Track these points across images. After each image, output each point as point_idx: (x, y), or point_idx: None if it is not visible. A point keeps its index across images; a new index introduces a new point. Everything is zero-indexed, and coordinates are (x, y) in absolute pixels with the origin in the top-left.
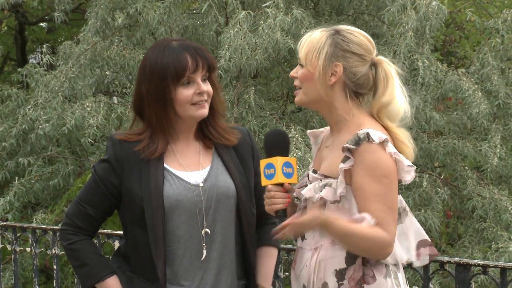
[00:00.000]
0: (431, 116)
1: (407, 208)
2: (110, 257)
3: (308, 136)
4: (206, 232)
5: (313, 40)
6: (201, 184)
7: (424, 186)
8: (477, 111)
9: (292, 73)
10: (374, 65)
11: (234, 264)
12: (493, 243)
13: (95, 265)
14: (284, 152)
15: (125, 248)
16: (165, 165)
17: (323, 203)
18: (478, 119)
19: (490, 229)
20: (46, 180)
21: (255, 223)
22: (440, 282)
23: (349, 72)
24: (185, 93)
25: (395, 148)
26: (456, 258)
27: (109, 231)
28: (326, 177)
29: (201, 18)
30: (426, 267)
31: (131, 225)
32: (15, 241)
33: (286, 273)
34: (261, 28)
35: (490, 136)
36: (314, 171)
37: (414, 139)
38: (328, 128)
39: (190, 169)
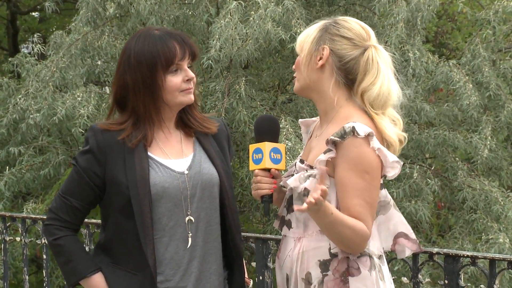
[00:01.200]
0: (422, 108)
1: (392, 202)
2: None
3: (300, 125)
4: (189, 220)
5: (308, 30)
6: (186, 172)
7: (415, 177)
8: (468, 102)
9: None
10: (365, 50)
11: (220, 252)
12: (483, 234)
13: (80, 261)
14: (274, 138)
15: (105, 240)
16: (149, 153)
17: (306, 193)
18: (469, 111)
19: (481, 221)
20: (37, 169)
21: (237, 210)
22: (430, 273)
23: (336, 55)
24: (174, 80)
25: (381, 140)
26: (445, 250)
27: (99, 221)
28: (311, 167)
29: (192, 8)
30: (415, 258)
31: (116, 215)
32: (4, 231)
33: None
34: (252, 18)
35: (480, 127)
36: (302, 161)
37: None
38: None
39: (174, 157)
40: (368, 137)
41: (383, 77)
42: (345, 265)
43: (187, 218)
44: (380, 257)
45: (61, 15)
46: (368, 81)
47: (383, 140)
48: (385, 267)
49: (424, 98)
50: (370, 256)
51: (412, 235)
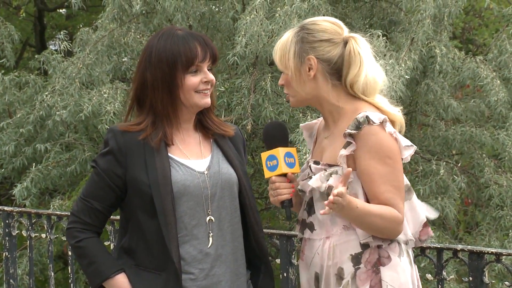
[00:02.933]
0: (448, 104)
1: (410, 187)
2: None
3: (302, 130)
4: (210, 219)
5: (282, 44)
6: (206, 171)
7: (441, 174)
8: (496, 99)
9: (280, 81)
10: (345, 44)
11: (242, 251)
12: (510, 231)
13: (103, 262)
14: (285, 142)
15: (128, 242)
16: (169, 154)
17: (330, 191)
18: (497, 107)
19: (508, 217)
20: (63, 166)
21: (257, 209)
22: (456, 270)
23: (323, 61)
24: (192, 79)
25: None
26: (469, 246)
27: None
28: (330, 166)
29: (218, 4)
30: (439, 255)
31: (138, 215)
32: (30, 227)
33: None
34: (277, 15)
35: (508, 124)
36: (316, 162)
37: (432, 127)
38: (320, 119)
39: (193, 158)
40: (382, 123)
41: (367, 65)
42: (376, 256)
43: (208, 218)
44: (406, 242)
45: (88, 12)
46: (353, 73)
47: (390, 121)
48: (410, 251)
49: (451, 95)
50: (399, 242)
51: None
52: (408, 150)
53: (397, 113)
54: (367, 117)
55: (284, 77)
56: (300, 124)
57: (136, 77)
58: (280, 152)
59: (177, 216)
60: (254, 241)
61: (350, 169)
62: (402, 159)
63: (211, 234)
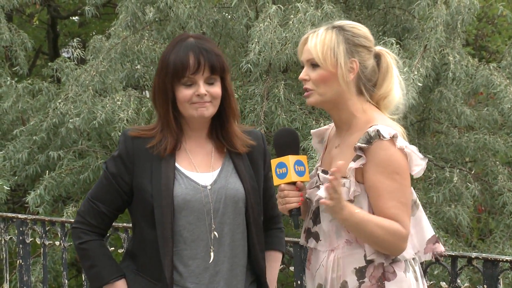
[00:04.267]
0: (462, 111)
1: (418, 201)
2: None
3: (312, 136)
4: (214, 235)
5: (324, 40)
6: (209, 186)
7: (455, 181)
8: (509, 106)
9: (303, 76)
10: (377, 56)
11: (244, 268)
12: None
13: (104, 267)
14: (295, 150)
15: (133, 247)
16: (176, 164)
17: None
18: (510, 115)
19: None
20: (77, 174)
21: (262, 228)
22: (470, 278)
23: (362, 66)
24: (184, 92)
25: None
26: (484, 254)
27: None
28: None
29: (231, 12)
30: (453, 263)
31: (140, 222)
32: (44, 235)
33: None
34: (291, 22)
35: None
36: (325, 172)
37: (445, 134)
38: (331, 125)
39: (201, 170)
40: (393, 138)
41: (397, 82)
42: (380, 270)
43: (212, 234)
44: (414, 258)
45: (101, 19)
46: (386, 87)
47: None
48: (417, 267)
49: (464, 102)
50: (405, 259)
51: (435, 235)
52: (419, 165)
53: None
54: (378, 131)
55: (321, 73)
56: (311, 131)
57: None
58: (290, 160)
59: (176, 230)
60: (254, 259)
61: (341, 164)
62: (412, 175)
63: (213, 249)
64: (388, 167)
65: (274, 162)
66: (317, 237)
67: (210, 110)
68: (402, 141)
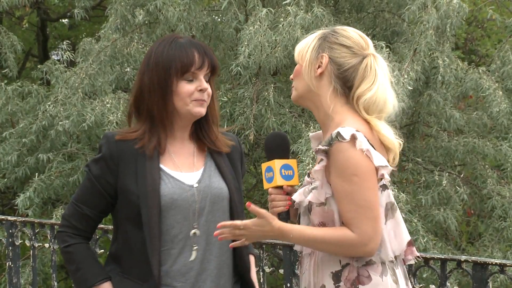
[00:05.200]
0: (451, 115)
1: (395, 204)
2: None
3: (311, 139)
4: (194, 233)
5: (307, 39)
6: (196, 185)
7: (444, 184)
8: (498, 110)
9: (292, 75)
10: (363, 59)
11: (231, 267)
12: None
13: (89, 270)
14: (283, 154)
15: (116, 250)
16: (160, 165)
17: (310, 207)
18: (499, 118)
19: (510, 228)
20: (66, 176)
21: None
22: (458, 281)
23: (335, 63)
24: (186, 87)
25: (379, 144)
26: (473, 257)
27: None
28: (314, 180)
29: (221, 15)
30: (443, 266)
31: (126, 224)
32: (33, 237)
33: None
34: (281, 25)
35: (510, 135)
36: (308, 175)
37: (434, 137)
38: None
39: (185, 170)
40: (354, 140)
41: (380, 84)
42: (355, 274)
43: (192, 231)
44: (392, 261)
45: (91, 22)
46: (364, 87)
47: (381, 143)
48: (399, 270)
49: (454, 105)
50: (382, 262)
51: (410, 238)
52: (384, 169)
53: (395, 142)
54: (338, 132)
55: (296, 68)
56: (310, 134)
57: (135, 80)
58: (276, 164)
59: (164, 229)
60: (239, 257)
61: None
62: (383, 177)
63: (195, 247)
64: (346, 169)
65: (263, 166)
66: None
67: (205, 108)
68: (365, 144)
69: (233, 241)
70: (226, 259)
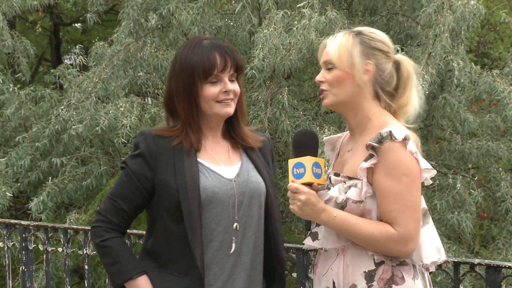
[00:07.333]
0: (465, 118)
1: (428, 211)
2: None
3: (325, 143)
4: (236, 226)
5: (341, 42)
6: (235, 179)
7: (458, 188)
8: None
9: (319, 77)
10: (397, 63)
11: (262, 260)
12: None
13: (126, 263)
14: (314, 152)
15: (152, 245)
16: (198, 159)
17: (345, 204)
18: None
19: None
20: (79, 180)
21: (281, 220)
22: (473, 285)
23: (378, 70)
24: (211, 90)
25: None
26: (486, 260)
27: (140, 232)
28: (350, 178)
29: (234, 18)
30: (456, 269)
31: (164, 219)
32: (46, 241)
33: None
34: (295, 28)
35: None
36: (337, 174)
37: (448, 140)
38: (345, 133)
39: (223, 164)
40: (405, 140)
41: (416, 91)
42: (389, 273)
43: (234, 225)
44: (423, 264)
45: (103, 26)
46: (407, 95)
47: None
48: (427, 275)
49: (467, 108)
50: (413, 265)
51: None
52: (427, 173)
53: (419, 148)
54: (390, 132)
55: (336, 73)
56: (324, 138)
57: (166, 85)
58: (308, 160)
59: (204, 222)
60: (274, 251)
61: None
62: (423, 182)
63: (234, 240)
64: (396, 168)
65: (292, 161)
66: (315, 237)
67: (233, 107)
68: (413, 146)
69: (265, 239)
70: (259, 253)
